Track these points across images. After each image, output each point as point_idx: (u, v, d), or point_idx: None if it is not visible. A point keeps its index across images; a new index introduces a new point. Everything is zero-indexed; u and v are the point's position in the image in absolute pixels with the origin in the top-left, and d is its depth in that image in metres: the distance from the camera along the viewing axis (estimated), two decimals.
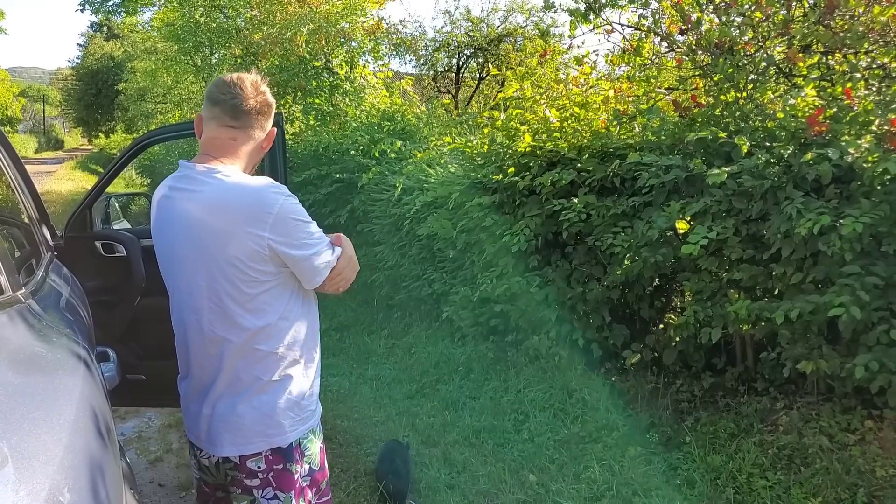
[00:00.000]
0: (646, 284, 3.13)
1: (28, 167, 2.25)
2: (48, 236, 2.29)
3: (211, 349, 1.34)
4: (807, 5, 2.91)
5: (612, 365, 3.18)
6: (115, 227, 3.30)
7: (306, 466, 1.40)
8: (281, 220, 1.27)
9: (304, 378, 1.39)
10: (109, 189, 2.84)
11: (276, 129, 1.44)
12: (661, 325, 3.30)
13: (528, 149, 3.40)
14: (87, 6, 15.38)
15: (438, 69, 14.69)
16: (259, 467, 1.34)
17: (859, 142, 2.30)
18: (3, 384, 0.85)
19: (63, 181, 18.16)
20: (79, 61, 38.94)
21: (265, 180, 1.32)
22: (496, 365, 3.49)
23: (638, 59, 3.29)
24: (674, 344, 2.99)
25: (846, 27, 2.66)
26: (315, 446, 1.43)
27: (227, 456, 1.34)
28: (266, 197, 1.27)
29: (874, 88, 2.62)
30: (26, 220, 2.00)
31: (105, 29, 35.14)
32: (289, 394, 1.35)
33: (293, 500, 1.37)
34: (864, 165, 2.21)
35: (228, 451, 1.34)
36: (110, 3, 15.33)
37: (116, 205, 4.41)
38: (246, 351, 1.32)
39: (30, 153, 35.02)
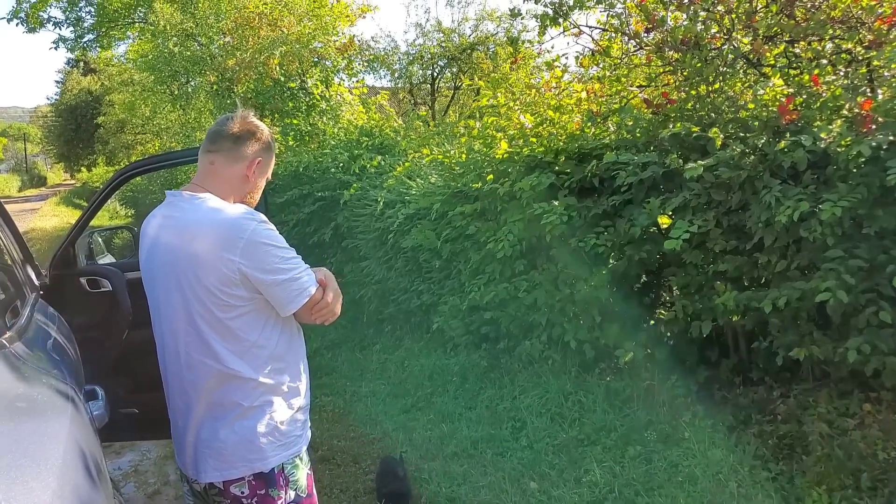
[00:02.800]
0: (633, 282, 3.12)
1: (12, 206, 2.23)
2: (33, 276, 2.30)
3: (187, 374, 1.36)
4: None
5: (606, 365, 3.17)
6: (100, 261, 3.27)
7: (292, 493, 1.40)
8: (252, 244, 1.29)
9: (285, 406, 1.39)
10: (94, 222, 2.82)
11: (261, 159, 1.44)
12: (652, 322, 3.29)
13: (505, 155, 3.40)
14: (60, 44, 15.27)
15: (414, 81, 14.74)
16: (243, 492, 1.35)
17: (830, 127, 2.32)
18: None
19: (48, 217, 17.94)
20: (57, 98, 38.65)
21: (241, 207, 1.37)
22: (490, 373, 3.46)
23: (608, 59, 3.31)
24: (666, 339, 2.98)
25: (808, 16, 2.69)
26: (302, 473, 1.43)
27: (212, 482, 1.36)
28: (237, 222, 1.31)
29: (841, 73, 2.65)
30: (9, 262, 2.00)
31: (81, 64, 34.97)
32: (269, 419, 1.36)
33: None
34: (838, 150, 2.22)
35: (212, 476, 1.35)
36: (85, 40, 15.22)
37: (99, 239, 4.36)
38: (223, 377, 1.33)
39: (13, 192, 34.63)
